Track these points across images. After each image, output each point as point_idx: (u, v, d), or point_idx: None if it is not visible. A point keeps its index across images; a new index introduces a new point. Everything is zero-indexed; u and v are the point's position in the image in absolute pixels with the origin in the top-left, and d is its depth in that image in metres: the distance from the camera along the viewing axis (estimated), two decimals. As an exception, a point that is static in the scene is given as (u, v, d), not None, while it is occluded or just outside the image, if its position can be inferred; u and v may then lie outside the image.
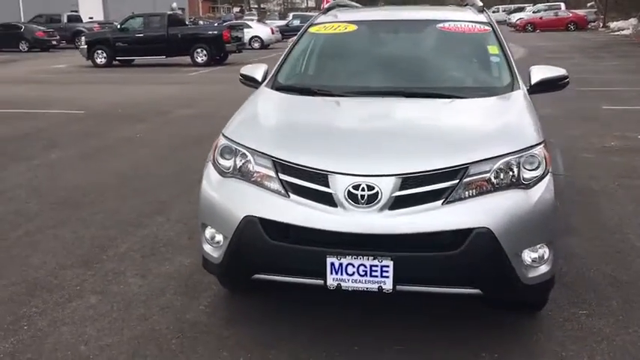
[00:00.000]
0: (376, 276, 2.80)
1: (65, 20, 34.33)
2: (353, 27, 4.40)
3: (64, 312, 3.58)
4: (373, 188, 2.80)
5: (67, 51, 30.70)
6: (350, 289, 2.85)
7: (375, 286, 2.82)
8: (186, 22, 25.75)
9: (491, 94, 3.65)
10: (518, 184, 2.92)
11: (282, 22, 41.13)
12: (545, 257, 2.96)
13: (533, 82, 3.90)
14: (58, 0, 39.07)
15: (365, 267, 2.80)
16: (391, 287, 2.82)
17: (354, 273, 2.82)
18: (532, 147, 3.03)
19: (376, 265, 2.79)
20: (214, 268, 3.19)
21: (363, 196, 2.80)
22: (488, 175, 2.88)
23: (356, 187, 2.81)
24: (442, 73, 4.06)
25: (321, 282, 2.86)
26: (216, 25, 27.32)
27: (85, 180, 6.41)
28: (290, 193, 2.92)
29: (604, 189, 5.71)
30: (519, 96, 3.61)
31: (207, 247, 3.20)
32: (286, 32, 34.01)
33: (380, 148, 3.05)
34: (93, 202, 5.65)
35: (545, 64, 4.34)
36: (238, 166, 3.11)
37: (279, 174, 2.97)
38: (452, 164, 2.87)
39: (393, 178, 2.82)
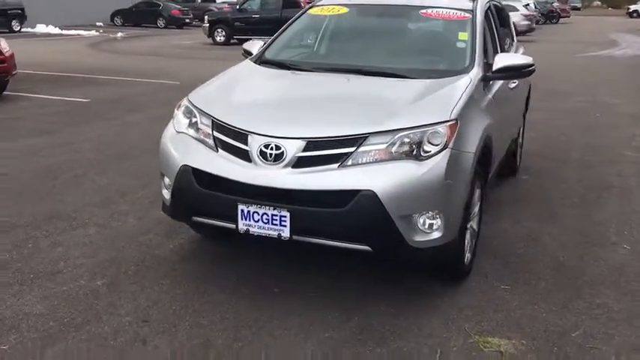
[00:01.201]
0: (276, 224, 3.24)
1: (199, 0, 36.57)
2: (345, 10, 4.77)
3: (64, 237, 4.34)
4: (280, 148, 3.23)
5: (198, 29, 32.78)
6: (256, 233, 3.30)
7: (275, 233, 3.26)
8: (302, 4, 26.57)
9: (440, 76, 3.90)
10: (414, 155, 3.20)
11: None
12: (436, 224, 3.24)
13: (494, 68, 4.08)
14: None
15: (267, 216, 3.24)
16: (288, 235, 3.23)
17: (259, 220, 3.27)
18: (437, 124, 3.29)
19: (276, 215, 3.22)
20: (165, 209, 3.77)
21: (271, 154, 3.24)
22: (385, 145, 3.20)
23: (266, 147, 3.26)
24: (406, 55, 4.34)
25: (233, 226, 3.34)
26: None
27: (142, 139, 7.26)
28: (219, 149, 3.42)
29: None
30: (463, 79, 3.82)
31: (163, 192, 3.77)
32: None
33: (295, 114, 3.47)
34: (137, 157, 6.46)
35: None
36: (190, 124, 3.65)
37: (214, 131, 3.48)
38: (351, 133, 3.22)
39: (298, 140, 3.23)
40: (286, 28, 4.79)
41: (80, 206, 4.96)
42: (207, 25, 23.34)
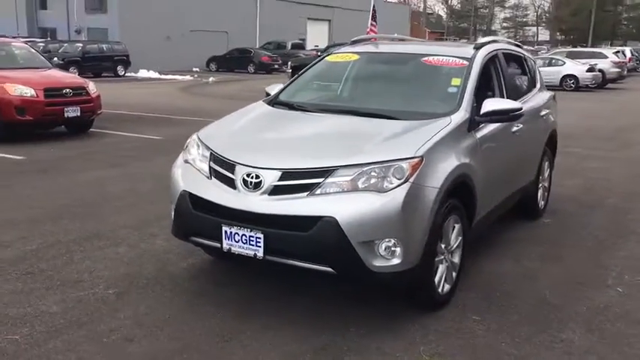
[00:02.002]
0: (252, 245, 3.65)
1: (289, 47, 38.28)
2: (356, 57, 5.21)
3: (96, 253, 4.94)
4: (259, 177, 3.67)
5: (284, 74, 34.31)
6: (236, 252, 3.72)
7: (251, 253, 3.66)
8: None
9: (424, 117, 4.20)
10: (377, 187, 3.53)
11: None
12: (395, 252, 3.53)
13: (481, 112, 4.35)
14: (289, 29, 43.61)
15: (245, 237, 3.66)
16: (262, 255, 3.63)
17: (239, 240, 3.69)
18: (400, 160, 3.61)
19: (252, 236, 3.64)
20: (172, 230, 4.27)
21: (251, 182, 3.68)
22: (351, 177, 3.56)
23: (248, 175, 3.70)
24: (400, 98, 4.68)
25: (219, 245, 3.78)
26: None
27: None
28: (212, 177, 3.91)
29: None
30: (443, 121, 4.11)
31: (171, 214, 4.28)
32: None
33: (278, 148, 3.90)
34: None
35: None
36: (195, 155, 4.17)
37: (210, 162, 3.97)
38: (321, 165, 3.61)
39: (275, 171, 3.65)
40: (303, 73, 5.28)
41: (119, 228, 5.58)
42: (290, 70, 24.46)
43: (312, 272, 3.64)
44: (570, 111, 14.78)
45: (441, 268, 3.98)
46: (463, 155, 4.09)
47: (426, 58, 4.89)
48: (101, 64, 29.94)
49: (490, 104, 4.39)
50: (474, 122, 4.34)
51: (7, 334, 3.55)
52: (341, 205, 3.50)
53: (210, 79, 28.65)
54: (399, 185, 3.54)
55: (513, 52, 5.79)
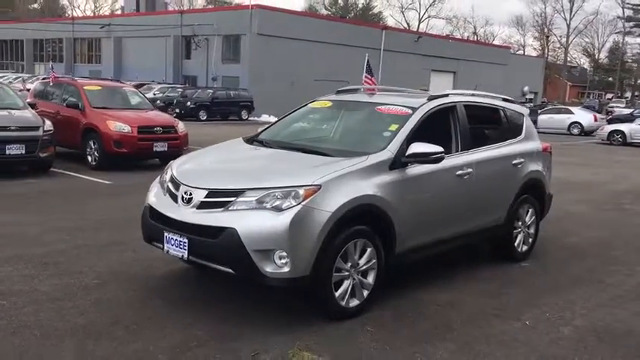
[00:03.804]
0: (181, 248, 4.57)
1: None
2: (330, 104, 6.06)
3: (106, 255, 6.09)
4: (191, 194, 4.62)
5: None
6: (172, 254, 4.67)
7: (180, 255, 4.59)
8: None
9: (351, 156, 4.92)
10: (276, 207, 4.33)
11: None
12: (284, 261, 4.28)
13: (407, 153, 5.00)
14: (411, 80, 44.55)
15: (177, 241, 4.60)
16: (187, 257, 4.55)
17: (173, 244, 4.64)
18: (298, 186, 4.39)
19: (181, 241, 4.57)
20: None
21: (186, 198, 4.64)
22: (256, 197, 4.39)
23: (185, 193, 4.67)
24: (342, 138, 5.44)
25: (162, 247, 4.75)
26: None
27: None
28: (166, 193, 4.92)
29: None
30: (361, 159, 4.80)
31: (145, 224, 5.32)
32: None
33: (212, 172, 4.84)
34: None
35: None
36: (164, 177, 5.20)
37: (169, 182, 4.98)
38: (235, 187, 4.48)
39: (203, 190, 4.58)
40: (285, 116, 6.21)
41: (136, 239, 6.65)
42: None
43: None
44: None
45: (346, 284, 4.64)
46: (374, 188, 4.74)
47: (379, 107, 5.63)
48: (228, 108, 32.68)
49: (415, 147, 5.02)
50: (398, 162, 4.98)
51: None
52: (243, 219, 4.34)
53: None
54: (292, 207, 4.32)
55: (484, 105, 6.32)
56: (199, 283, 5.42)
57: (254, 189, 4.45)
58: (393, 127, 5.27)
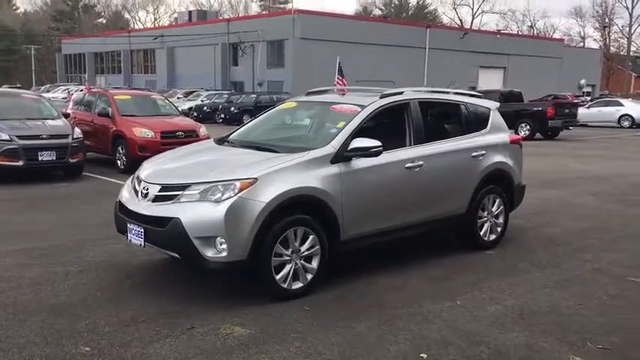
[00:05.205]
0: (139, 237, 5.15)
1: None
2: (295, 104, 6.53)
3: (100, 247, 6.75)
4: (148, 189, 5.19)
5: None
6: (133, 242, 5.25)
7: (138, 243, 5.17)
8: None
9: (295, 151, 5.38)
10: (215, 199, 4.85)
11: None
12: (224, 246, 4.78)
13: (349, 148, 5.42)
14: (459, 77, 44.28)
15: (135, 231, 5.18)
16: (144, 244, 5.12)
17: (134, 234, 5.22)
18: (236, 180, 4.88)
19: (139, 230, 5.14)
20: (118, 228, 5.90)
21: (143, 193, 5.22)
22: (199, 190, 4.92)
23: (144, 188, 5.25)
24: (294, 135, 5.89)
25: (126, 237, 5.35)
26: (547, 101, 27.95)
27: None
28: (132, 189, 5.51)
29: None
30: (301, 154, 5.25)
31: (121, 217, 5.93)
32: None
33: (170, 169, 5.40)
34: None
35: None
36: (134, 175, 5.80)
37: (135, 179, 5.58)
38: (182, 182, 5.03)
39: (157, 185, 5.15)
40: (256, 117, 6.72)
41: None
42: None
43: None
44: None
45: (287, 267, 5.09)
46: (314, 181, 5.18)
47: (333, 106, 6.07)
48: (272, 112, 33.50)
49: (355, 142, 5.43)
50: (340, 156, 5.40)
51: (-11, 285, 5.45)
52: (187, 210, 4.87)
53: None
54: (229, 198, 4.82)
55: (442, 101, 6.65)
56: (169, 269, 5.98)
57: (198, 183, 4.98)
58: (341, 124, 5.69)
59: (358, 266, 6.05)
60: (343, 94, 6.92)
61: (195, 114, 32.72)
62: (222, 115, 31.42)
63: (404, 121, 6.11)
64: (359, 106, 5.87)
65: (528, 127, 22.61)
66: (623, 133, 27.00)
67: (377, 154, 5.46)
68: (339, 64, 8.70)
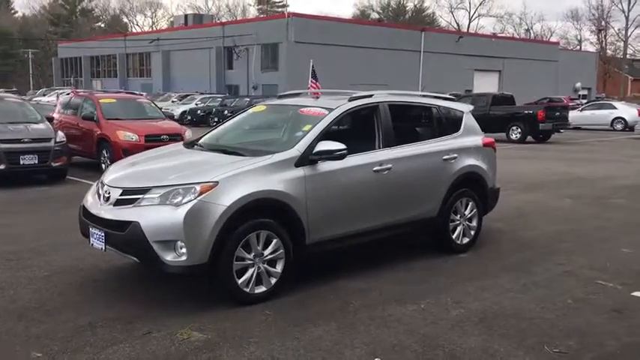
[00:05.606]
0: (100, 241, 5.12)
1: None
2: (264, 107, 6.50)
3: (81, 250, 6.72)
4: (109, 193, 5.16)
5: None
6: (94, 246, 5.22)
7: (99, 246, 5.13)
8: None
9: (260, 154, 5.34)
10: (175, 202, 4.81)
11: None
12: (183, 250, 4.74)
13: (314, 151, 5.38)
14: (454, 80, 44.31)
15: (97, 234, 5.15)
16: (104, 248, 5.09)
17: (95, 238, 5.19)
18: (196, 183, 4.85)
19: (100, 234, 5.11)
20: (83, 232, 5.87)
21: (105, 197, 5.19)
22: (159, 194, 4.89)
23: (105, 192, 5.22)
24: (261, 139, 5.86)
25: (89, 240, 5.31)
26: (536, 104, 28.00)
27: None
28: (97, 194, 5.48)
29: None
30: (265, 157, 5.22)
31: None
32: None
33: (132, 174, 5.36)
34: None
35: None
36: (99, 180, 5.77)
37: (99, 183, 5.55)
38: (142, 185, 5.00)
39: (118, 189, 5.12)
40: (226, 121, 6.69)
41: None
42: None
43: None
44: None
45: (250, 271, 5.06)
46: (278, 184, 5.14)
47: (301, 109, 6.04)
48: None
49: (320, 145, 5.40)
50: (305, 159, 5.36)
51: (-47, 290, 5.42)
52: (146, 214, 4.84)
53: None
54: (189, 201, 4.79)
55: (413, 104, 6.63)
56: (136, 274, 5.95)
57: (158, 187, 4.95)
58: (307, 127, 5.66)
59: (325, 270, 6.02)
60: (317, 97, 6.90)
61: (189, 117, 32.78)
62: (216, 119, 31.37)
63: (373, 124, 6.09)
64: (326, 109, 5.84)
65: (519, 130, 22.60)
66: (615, 136, 27.01)
67: (341, 157, 5.43)
68: (313, 67, 8.66)
